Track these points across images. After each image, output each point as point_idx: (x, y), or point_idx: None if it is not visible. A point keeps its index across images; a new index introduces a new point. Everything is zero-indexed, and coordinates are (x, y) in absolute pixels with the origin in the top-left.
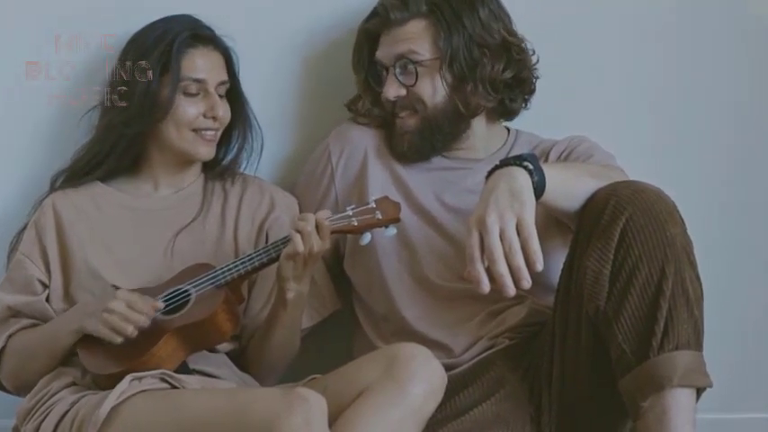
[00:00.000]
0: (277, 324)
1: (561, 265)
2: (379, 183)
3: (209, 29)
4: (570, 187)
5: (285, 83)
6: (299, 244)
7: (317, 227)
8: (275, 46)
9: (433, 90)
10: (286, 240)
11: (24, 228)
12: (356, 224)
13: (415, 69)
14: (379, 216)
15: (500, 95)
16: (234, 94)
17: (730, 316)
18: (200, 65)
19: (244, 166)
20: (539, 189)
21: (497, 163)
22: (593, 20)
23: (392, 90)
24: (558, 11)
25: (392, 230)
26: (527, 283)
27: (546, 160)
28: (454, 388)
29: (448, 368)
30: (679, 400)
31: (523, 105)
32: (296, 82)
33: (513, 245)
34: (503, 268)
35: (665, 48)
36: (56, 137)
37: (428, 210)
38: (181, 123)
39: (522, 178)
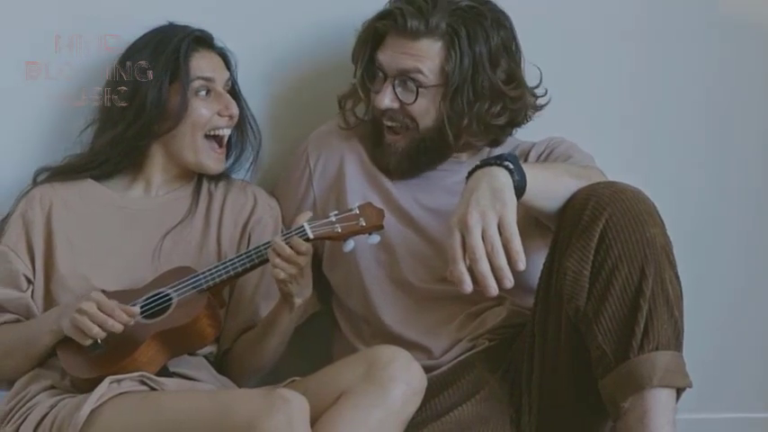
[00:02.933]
0: (276, 329)
1: (541, 266)
2: (357, 184)
3: (205, 32)
4: (550, 187)
5: (271, 86)
6: (284, 278)
7: (296, 251)
8: (259, 50)
9: (427, 114)
10: (268, 245)
11: (6, 217)
12: (339, 231)
13: (417, 90)
14: (363, 223)
15: (491, 137)
16: (233, 96)
17: (704, 315)
18: (206, 65)
19: (246, 168)
20: (519, 189)
21: (478, 163)
22: (565, 22)
23: (386, 100)
24: (530, 14)
25: (375, 238)
26: (509, 282)
27: (526, 161)
28: (434, 389)
29: (428, 370)
30: (659, 401)
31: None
32: (281, 85)
33: (496, 244)
34: (485, 268)
35: (636, 48)
36: (55, 137)
37: (406, 210)
38: (197, 125)
39: (503, 178)
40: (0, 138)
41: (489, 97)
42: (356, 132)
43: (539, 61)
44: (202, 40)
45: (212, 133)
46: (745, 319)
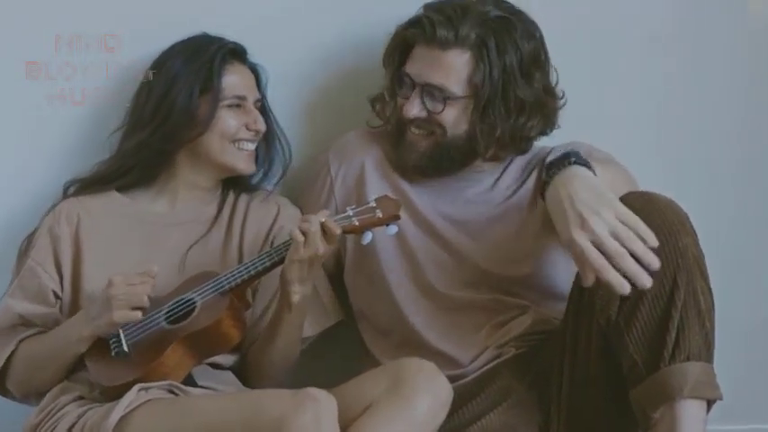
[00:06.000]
0: (280, 329)
1: (564, 273)
2: (378, 191)
3: (239, 45)
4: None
5: (290, 94)
6: (300, 247)
7: (325, 229)
8: (278, 60)
9: (456, 122)
10: (288, 244)
11: (34, 231)
12: (357, 224)
13: (445, 101)
14: (380, 214)
15: (522, 147)
16: (262, 112)
17: (733, 326)
18: (239, 81)
19: (273, 182)
20: None
21: (546, 173)
22: (596, 25)
23: (414, 110)
24: (562, 16)
25: (393, 229)
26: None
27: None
28: (462, 398)
29: (455, 379)
30: (689, 412)
31: None
32: (302, 93)
33: (629, 234)
34: (631, 263)
35: (665, 50)
36: (55, 137)
37: (427, 219)
38: (224, 135)
39: (586, 172)
40: None
41: (525, 109)
42: (377, 140)
43: (570, 69)
44: (237, 54)
45: (238, 146)
46: None
